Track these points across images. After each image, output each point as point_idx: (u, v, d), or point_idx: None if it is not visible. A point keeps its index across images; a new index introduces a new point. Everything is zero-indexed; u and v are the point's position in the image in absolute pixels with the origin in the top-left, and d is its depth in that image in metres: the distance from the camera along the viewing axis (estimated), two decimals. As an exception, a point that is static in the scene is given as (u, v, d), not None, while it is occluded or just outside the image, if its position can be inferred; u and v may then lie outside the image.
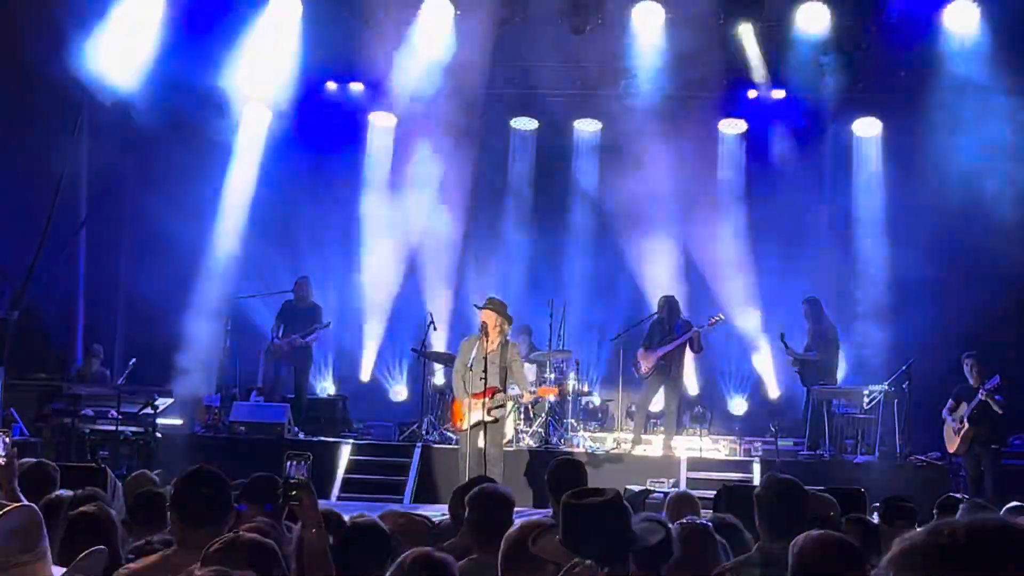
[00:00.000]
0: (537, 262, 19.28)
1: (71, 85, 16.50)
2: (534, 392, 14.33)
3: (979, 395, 14.88)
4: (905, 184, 18.31)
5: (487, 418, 12.85)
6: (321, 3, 17.88)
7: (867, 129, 18.60)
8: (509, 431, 14.08)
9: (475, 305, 13.66)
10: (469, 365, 13.00)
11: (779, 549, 5.34)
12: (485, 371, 12.72)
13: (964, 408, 14.98)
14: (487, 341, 12.92)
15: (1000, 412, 15.16)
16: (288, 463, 5.01)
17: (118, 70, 17.03)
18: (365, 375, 19.54)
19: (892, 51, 17.74)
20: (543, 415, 16.23)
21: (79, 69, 16.42)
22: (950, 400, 15.35)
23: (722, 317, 16.79)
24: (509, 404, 13.31)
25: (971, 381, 15.18)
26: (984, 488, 14.71)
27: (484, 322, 12.97)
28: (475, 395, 12.83)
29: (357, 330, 19.45)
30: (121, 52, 17.04)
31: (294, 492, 4.95)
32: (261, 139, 19.05)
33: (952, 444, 15.11)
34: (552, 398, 16.12)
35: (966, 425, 14.87)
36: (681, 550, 5.16)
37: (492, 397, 12.86)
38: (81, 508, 5.78)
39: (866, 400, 16.43)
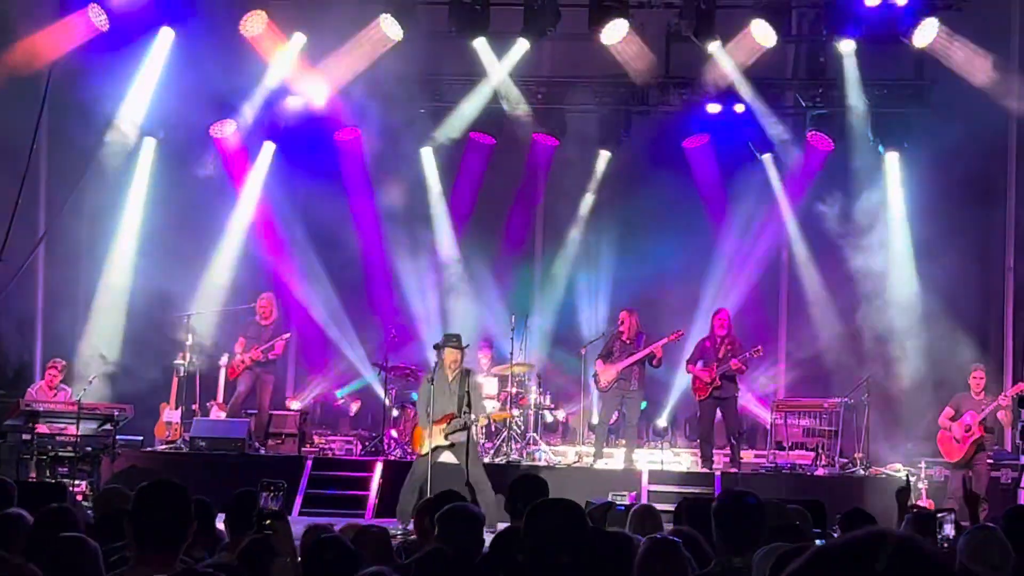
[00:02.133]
0: (498, 276, 19.26)
1: (28, 93, 16.43)
2: (488, 416, 14.72)
3: (1000, 400, 14.94)
4: (863, 199, 18.43)
5: (443, 443, 13.65)
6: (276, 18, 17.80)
7: (827, 143, 18.63)
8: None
9: (435, 346, 14.22)
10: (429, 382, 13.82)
11: (739, 564, 5.36)
12: (452, 400, 13.68)
13: (969, 416, 14.97)
14: (447, 371, 13.84)
15: (1004, 423, 15.35)
16: (262, 494, 4.98)
17: (78, 79, 17.00)
18: (327, 390, 19.47)
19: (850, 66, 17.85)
20: (505, 429, 16.27)
21: (38, 73, 16.36)
22: (948, 408, 15.36)
23: (683, 332, 16.86)
24: (473, 427, 13.78)
25: (973, 390, 15.23)
26: (975, 497, 14.76)
27: (442, 358, 13.88)
28: (435, 422, 13.63)
29: (319, 345, 19.37)
30: (80, 60, 17.01)
31: (268, 522, 4.93)
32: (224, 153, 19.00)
33: (955, 452, 15.07)
34: (513, 415, 16.23)
35: (976, 432, 14.89)
36: (651, 565, 5.18)
37: (449, 423, 13.60)
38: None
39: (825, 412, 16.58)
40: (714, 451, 16.41)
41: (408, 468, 14.23)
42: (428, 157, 19.30)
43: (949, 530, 6.10)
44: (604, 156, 19.04)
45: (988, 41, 17.46)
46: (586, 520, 4.60)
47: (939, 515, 6.39)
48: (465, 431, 13.61)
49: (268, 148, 19.10)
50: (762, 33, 17.08)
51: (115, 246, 18.43)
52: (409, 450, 15.97)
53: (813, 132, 18.31)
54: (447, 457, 13.72)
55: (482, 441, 15.98)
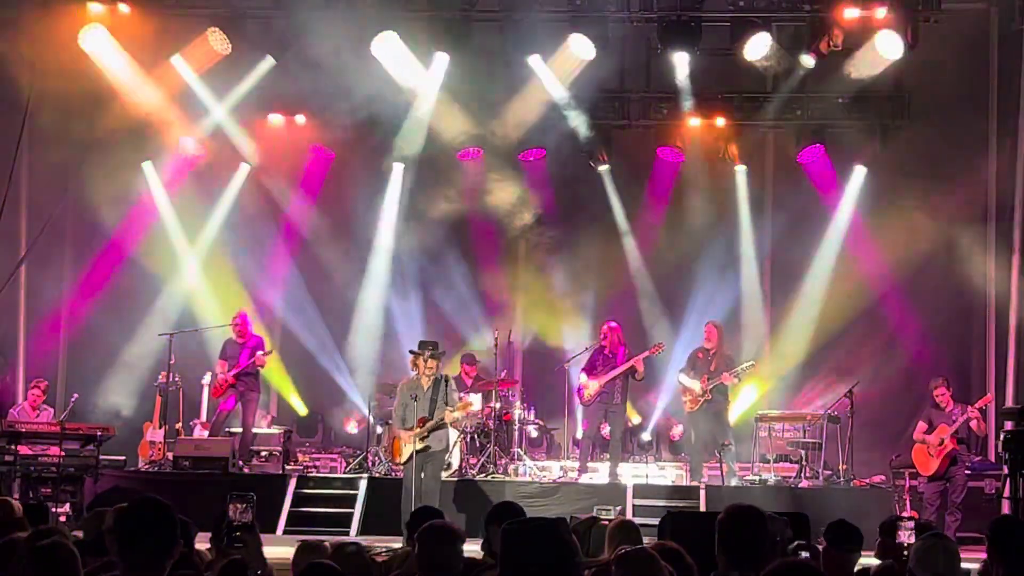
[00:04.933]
0: (482, 290, 19.26)
1: (10, 104, 16.47)
2: (464, 410, 14.36)
3: (967, 412, 15.01)
4: (845, 209, 18.51)
5: (418, 446, 13.60)
6: (262, 36, 17.79)
7: (807, 155, 18.69)
8: (455, 461, 14.13)
9: (410, 351, 14.30)
10: (411, 399, 13.72)
11: (736, 578, 5.36)
12: (425, 405, 13.72)
13: (940, 430, 15.03)
14: (423, 379, 13.84)
15: (981, 435, 15.41)
16: (231, 505, 4.89)
17: (60, 88, 17.03)
18: (311, 407, 19.45)
19: (831, 77, 17.94)
20: (489, 445, 16.24)
21: (19, 86, 16.39)
22: (920, 422, 15.41)
23: (663, 346, 16.87)
24: (451, 418, 13.81)
25: (941, 403, 15.28)
26: (945, 511, 14.86)
27: (418, 365, 13.90)
28: (408, 430, 13.69)
29: (303, 362, 19.34)
30: (64, 72, 17.08)
31: (238, 534, 4.86)
32: (204, 170, 19.05)
33: (929, 466, 15.13)
34: (475, 412, 16.08)
35: (949, 445, 14.95)
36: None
37: (422, 427, 13.61)
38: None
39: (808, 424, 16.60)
40: (704, 465, 16.39)
41: (394, 484, 14.23)
42: (404, 174, 19.34)
43: (904, 537, 6.13)
44: (586, 170, 19.03)
45: (967, 57, 17.57)
46: (565, 542, 4.53)
47: (898, 522, 6.41)
48: (442, 431, 13.78)
49: (244, 169, 19.15)
50: (751, 45, 17.19)
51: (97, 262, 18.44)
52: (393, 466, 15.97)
53: (796, 144, 18.44)
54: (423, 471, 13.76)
55: (466, 456, 15.95)
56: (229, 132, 18.63)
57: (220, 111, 18.33)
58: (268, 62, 17.82)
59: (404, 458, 13.72)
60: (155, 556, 4.79)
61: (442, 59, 17.89)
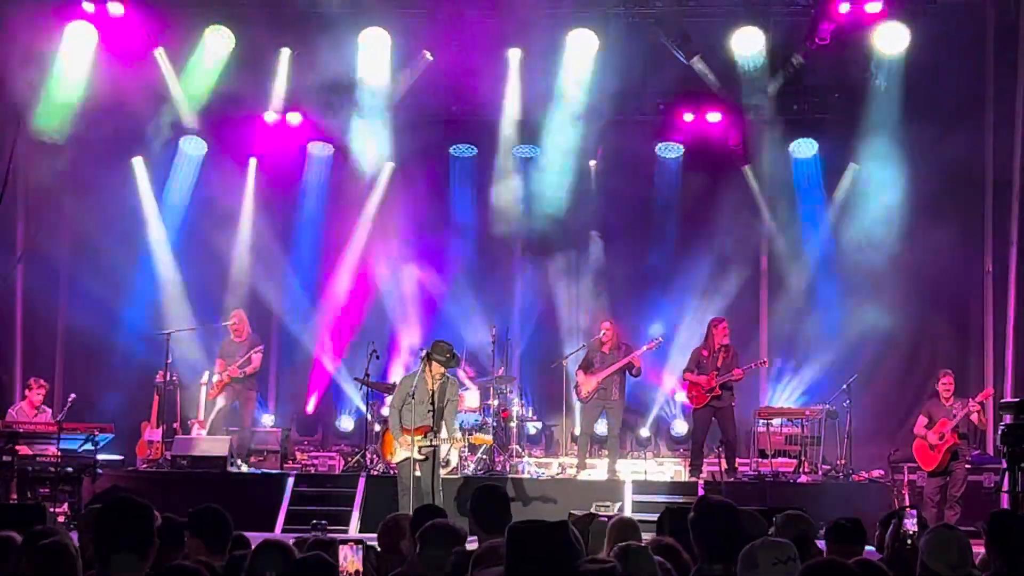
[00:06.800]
0: (481, 286, 19.24)
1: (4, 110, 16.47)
2: (459, 440, 14.03)
3: (968, 406, 15.03)
4: (842, 205, 18.50)
5: (417, 456, 12.99)
6: (257, 33, 17.81)
7: (804, 150, 18.72)
8: (454, 459, 14.07)
9: (421, 349, 13.74)
10: (409, 396, 13.04)
11: (719, 571, 5.37)
12: (431, 406, 13.03)
13: (941, 424, 15.04)
14: (428, 379, 13.09)
15: (982, 428, 15.42)
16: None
17: (52, 96, 17.04)
18: (309, 406, 19.44)
19: (827, 72, 17.94)
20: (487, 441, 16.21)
21: (11, 94, 16.40)
22: (921, 416, 15.41)
23: (660, 340, 16.84)
24: (444, 445, 13.27)
25: (942, 396, 15.28)
26: (946, 505, 14.87)
27: (427, 367, 13.07)
28: (406, 431, 13.01)
29: (300, 360, 19.34)
30: (56, 77, 17.11)
31: None
32: (198, 170, 19.05)
33: (930, 461, 15.12)
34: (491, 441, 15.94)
35: (950, 439, 14.96)
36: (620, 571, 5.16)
37: (424, 436, 13.03)
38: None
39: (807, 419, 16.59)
40: (704, 461, 16.33)
41: (393, 482, 14.14)
42: (401, 171, 19.30)
43: (910, 525, 6.12)
44: (581, 165, 19.01)
45: (963, 50, 17.54)
46: (570, 545, 4.52)
47: (903, 509, 6.41)
48: (439, 447, 13.13)
49: (252, 163, 19.23)
50: (746, 40, 17.19)
51: (94, 262, 18.42)
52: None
53: (792, 139, 18.43)
54: (418, 469, 13.19)
55: (465, 453, 15.91)
56: (225, 128, 18.64)
57: (217, 107, 18.34)
58: (264, 60, 17.89)
59: (398, 458, 13.28)
60: (131, 556, 4.81)
61: (437, 55, 17.90)
